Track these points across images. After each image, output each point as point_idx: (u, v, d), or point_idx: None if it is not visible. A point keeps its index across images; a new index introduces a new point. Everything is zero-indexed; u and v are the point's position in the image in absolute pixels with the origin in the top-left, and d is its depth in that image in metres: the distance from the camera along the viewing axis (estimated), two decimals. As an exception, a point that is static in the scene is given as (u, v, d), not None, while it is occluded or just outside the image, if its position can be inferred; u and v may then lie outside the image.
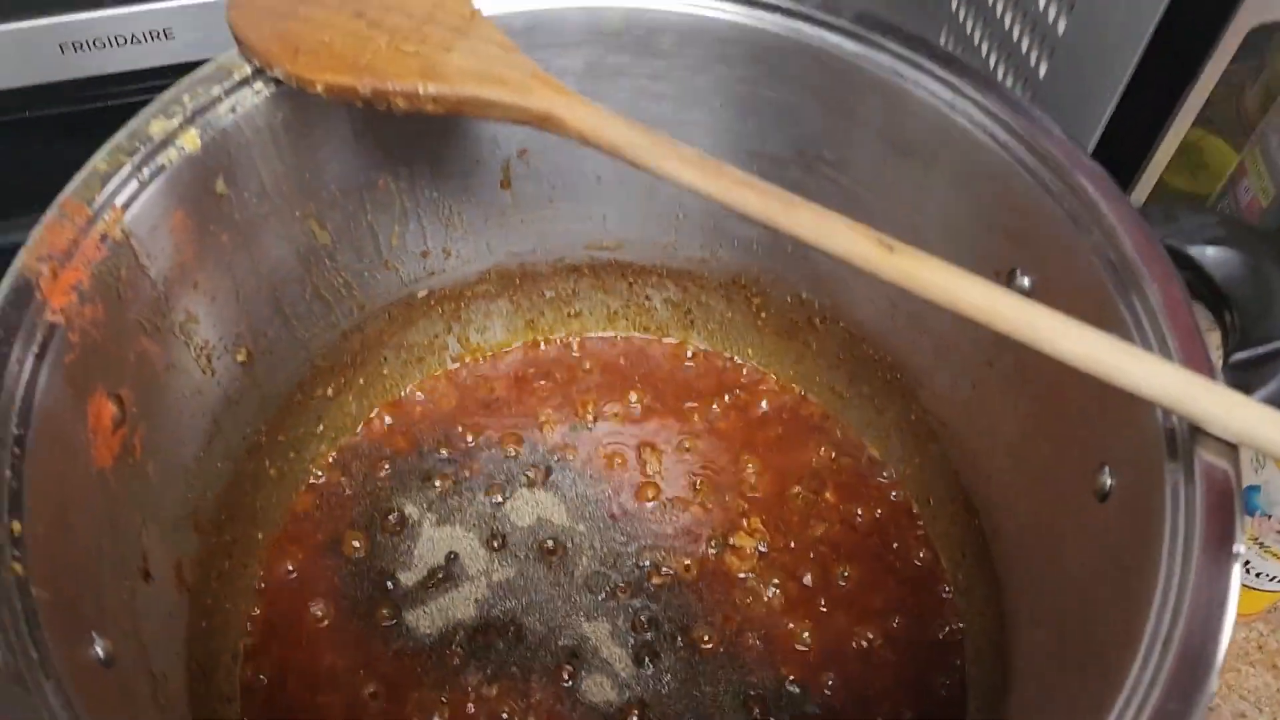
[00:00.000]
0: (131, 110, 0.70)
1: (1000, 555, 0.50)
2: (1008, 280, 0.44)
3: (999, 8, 0.60)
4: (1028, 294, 0.43)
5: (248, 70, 0.43)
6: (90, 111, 0.70)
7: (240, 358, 0.48)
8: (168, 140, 0.41)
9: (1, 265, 0.75)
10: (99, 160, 0.40)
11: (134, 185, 0.40)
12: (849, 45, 0.46)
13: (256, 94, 0.43)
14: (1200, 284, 0.38)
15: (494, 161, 0.53)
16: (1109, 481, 0.39)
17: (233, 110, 0.42)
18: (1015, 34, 0.59)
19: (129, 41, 0.67)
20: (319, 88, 0.40)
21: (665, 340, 0.65)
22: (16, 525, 0.32)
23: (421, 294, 0.58)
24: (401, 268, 0.55)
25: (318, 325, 0.53)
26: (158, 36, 0.67)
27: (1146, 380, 0.33)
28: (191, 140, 0.41)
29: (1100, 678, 0.35)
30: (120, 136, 0.40)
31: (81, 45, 0.66)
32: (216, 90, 0.42)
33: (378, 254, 0.53)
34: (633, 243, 0.59)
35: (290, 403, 0.54)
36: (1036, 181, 0.41)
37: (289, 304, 0.50)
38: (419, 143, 0.50)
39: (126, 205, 0.39)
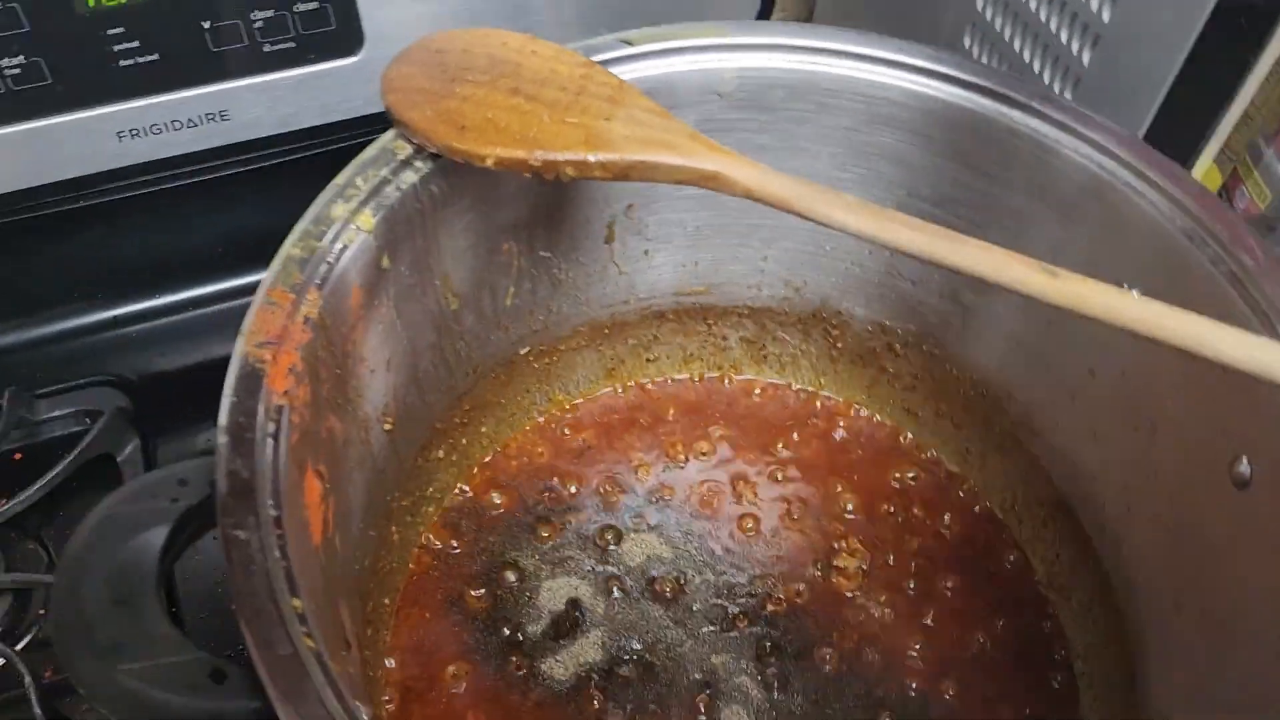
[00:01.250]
0: (184, 193, 0.71)
1: (1110, 553, 0.54)
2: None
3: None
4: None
5: (409, 149, 0.45)
6: (142, 196, 0.71)
7: (387, 427, 0.50)
8: (348, 221, 0.42)
9: (55, 352, 0.74)
10: (290, 247, 0.41)
11: (324, 267, 0.41)
12: (947, 89, 0.49)
13: (416, 172, 0.45)
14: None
15: (601, 219, 0.55)
16: (1248, 469, 0.42)
17: (398, 189, 0.44)
18: (1053, 26, 0.61)
19: (185, 125, 0.67)
20: (489, 161, 0.42)
21: (738, 377, 0.68)
22: (297, 602, 0.33)
23: (523, 351, 0.59)
24: (511, 327, 0.57)
25: (440, 389, 0.55)
26: (213, 119, 0.68)
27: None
28: (367, 221, 0.43)
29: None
30: (305, 222, 0.42)
31: (138, 132, 0.67)
32: (384, 171, 0.44)
33: (494, 316, 0.55)
34: (720, 286, 0.61)
35: (413, 468, 0.56)
36: (1155, 209, 0.46)
37: (422, 371, 0.52)
38: (539, 205, 0.52)
39: (320, 285, 0.41)
